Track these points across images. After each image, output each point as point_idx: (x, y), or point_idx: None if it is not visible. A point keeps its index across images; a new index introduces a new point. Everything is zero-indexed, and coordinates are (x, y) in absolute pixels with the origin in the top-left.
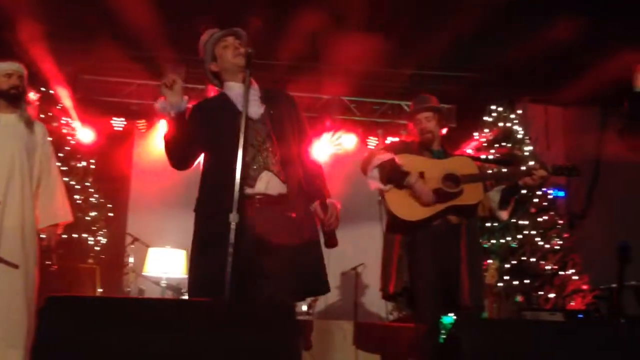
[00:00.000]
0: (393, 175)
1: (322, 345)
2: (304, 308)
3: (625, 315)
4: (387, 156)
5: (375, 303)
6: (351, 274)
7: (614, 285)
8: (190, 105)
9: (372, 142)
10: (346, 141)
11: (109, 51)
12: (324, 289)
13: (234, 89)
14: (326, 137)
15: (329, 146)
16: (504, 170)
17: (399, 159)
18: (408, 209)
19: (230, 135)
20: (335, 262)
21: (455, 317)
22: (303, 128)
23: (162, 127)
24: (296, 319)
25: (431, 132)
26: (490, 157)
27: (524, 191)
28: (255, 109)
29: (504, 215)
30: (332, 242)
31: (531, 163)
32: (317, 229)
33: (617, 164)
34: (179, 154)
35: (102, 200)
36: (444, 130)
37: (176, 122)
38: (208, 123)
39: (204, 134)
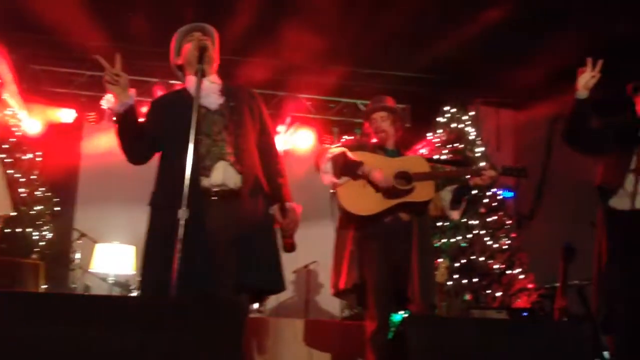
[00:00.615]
0: (346, 167)
1: (273, 344)
2: (255, 306)
3: (569, 314)
4: (339, 150)
5: (327, 301)
6: (303, 272)
7: (557, 285)
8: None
9: (328, 140)
10: (301, 138)
11: (59, 41)
12: (279, 287)
13: (193, 82)
14: (281, 133)
15: (284, 143)
16: (455, 169)
17: (352, 155)
18: (360, 204)
19: (186, 127)
20: (287, 260)
21: (404, 315)
22: (264, 123)
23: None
24: (240, 316)
25: (385, 132)
26: (443, 157)
27: (474, 191)
28: (213, 100)
29: (455, 214)
30: (289, 247)
31: (482, 164)
32: (274, 228)
33: (564, 166)
34: (133, 149)
35: (49, 194)
36: (399, 132)
37: (125, 118)
38: (165, 117)
39: (161, 128)
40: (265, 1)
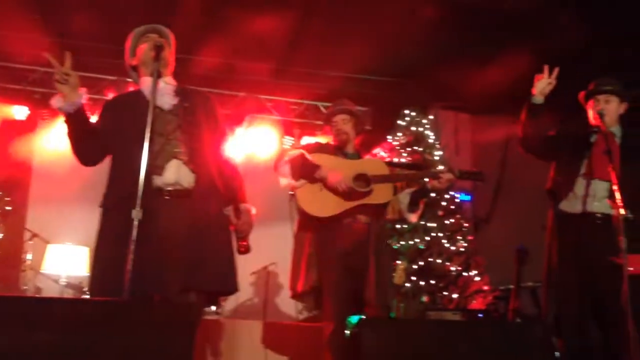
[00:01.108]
0: (304, 170)
1: (229, 346)
2: (213, 307)
3: (522, 315)
4: (297, 152)
5: (286, 302)
6: (262, 273)
7: (512, 286)
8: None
9: (289, 141)
10: (261, 140)
11: (10, 36)
12: (232, 289)
13: (148, 83)
14: (241, 134)
15: (244, 144)
16: (414, 172)
17: (311, 157)
18: (318, 206)
19: (139, 127)
20: (246, 261)
21: (360, 317)
22: (218, 125)
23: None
24: (192, 318)
25: (347, 134)
26: (403, 160)
27: (433, 194)
28: (167, 100)
29: (412, 217)
30: (243, 249)
31: (440, 167)
32: (229, 230)
33: (519, 171)
34: (84, 150)
35: (0, 193)
36: (360, 135)
37: (75, 118)
38: (118, 118)
39: (113, 128)
40: None
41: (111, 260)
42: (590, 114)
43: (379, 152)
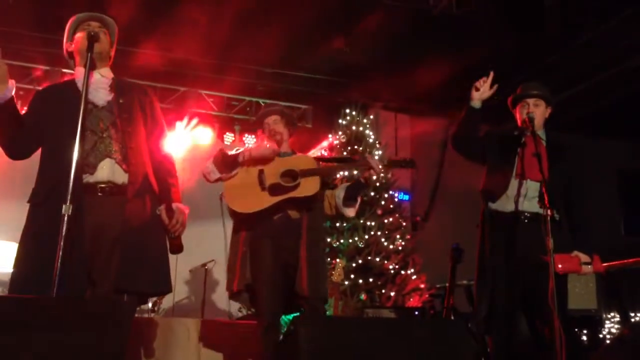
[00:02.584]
0: (225, 160)
1: (164, 344)
2: (149, 305)
3: (457, 312)
4: (217, 150)
5: (224, 300)
6: (201, 271)
7: (447, 284)
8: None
9: (229, 137)
10: (202, 135)
11: None
12: (164, 290)
13: (82, 75)
14: (181, 129)
15: (184, 139)
16: (341, 164)
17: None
18: (245, 202)
19: (70, 121)
20: (184, 258)
21: (295, 313)
22: (156, 121)
23: None
24: (123, 318)
25: (280, 134)
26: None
27: (372, 193)
28: (102, 96)
29: (349, 212)
30: (176, 249)
31: (367, 155)
32: (162, 229)
33: (456, 171)
34: (12, 144)
35: None
36: (293, 134)
37: (3, 111)
38: (49, 110)
39: (44, 121)
40: None
41: (35, 258)
42: (518, 117)
43: (320, 150)
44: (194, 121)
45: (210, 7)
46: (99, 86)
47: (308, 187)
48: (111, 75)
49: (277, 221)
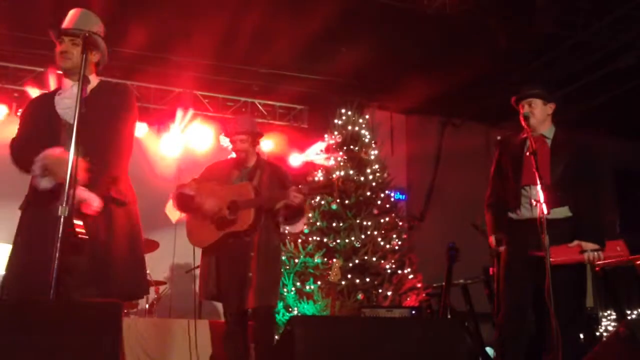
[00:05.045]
0: (181, 202)
1: (162, 344)
2: (147, 306)
3: (453, 311)
4: (178, 189)
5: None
6: (197, 272)
7: (444, 284)
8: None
9: (225, 140)
10: (197, 136)
11: None
12: (140, 294)
13: (66, 86)
14: (176, 128)
15: (179, 140)
16: (272, 194)
17: (196, 186)
18: (197, 236)
19: (48, 139)
20: (181, 259)
21: (251, 316)
22: (116, 114)
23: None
24: (114, 320)
25: (245, 152)
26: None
27: (368, 193)
28: (72, 113)
29: (293, 229)
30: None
31: (300, 185)
32: (138, 232)
33: (452, 172)
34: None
35: None
36: (258, 150)
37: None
38: (35, 124)
39: (34, 136)
40: None
41: (24, 261)
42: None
43: (317, 150)
44: (189, 114)
45: (207, 8)
46: (73, 101)
47: (243, 219)
48: (87, 84)
49: (231, 244)
